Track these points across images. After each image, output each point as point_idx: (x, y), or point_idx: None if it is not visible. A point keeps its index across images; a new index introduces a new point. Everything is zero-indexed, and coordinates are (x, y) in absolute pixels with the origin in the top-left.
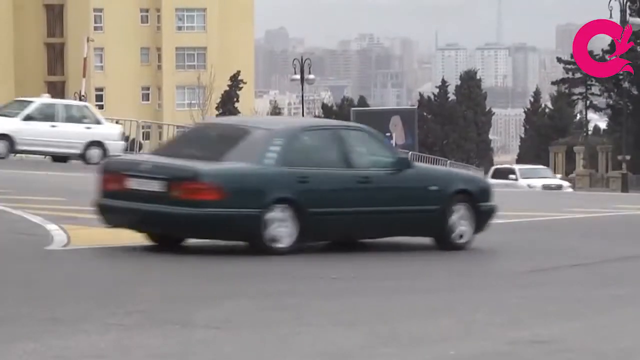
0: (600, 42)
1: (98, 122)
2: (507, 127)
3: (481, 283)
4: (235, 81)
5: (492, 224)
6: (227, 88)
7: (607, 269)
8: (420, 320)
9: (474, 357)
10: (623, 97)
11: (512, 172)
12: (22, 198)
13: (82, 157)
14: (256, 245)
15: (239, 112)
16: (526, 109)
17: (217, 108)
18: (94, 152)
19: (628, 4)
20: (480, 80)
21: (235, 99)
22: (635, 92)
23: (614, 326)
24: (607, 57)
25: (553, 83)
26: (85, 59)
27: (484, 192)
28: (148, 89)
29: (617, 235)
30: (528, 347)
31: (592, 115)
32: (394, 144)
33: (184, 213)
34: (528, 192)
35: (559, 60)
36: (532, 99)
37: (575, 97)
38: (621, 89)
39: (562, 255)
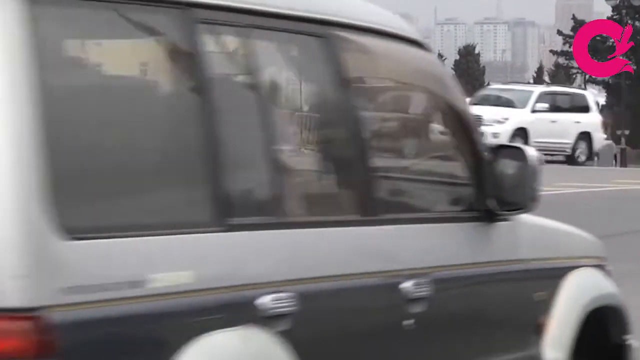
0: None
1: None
2: None
3: None
4: None
5: None
6: None
7: (608, 244)
8: None
9: None
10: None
11: None
12: None
13: None
14: None
15: None
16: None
17: None
18: None
19: None
20: (479, 55)
21: None
22: (634, 67)
23: None
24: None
25: (552, 52)
26: None
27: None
28: None
29: (617, 211)
30: None
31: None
32: None
33: None
34: None
35: (559, 33)
36: (535, 74)
37: (574, 72)
38: None
39: None
